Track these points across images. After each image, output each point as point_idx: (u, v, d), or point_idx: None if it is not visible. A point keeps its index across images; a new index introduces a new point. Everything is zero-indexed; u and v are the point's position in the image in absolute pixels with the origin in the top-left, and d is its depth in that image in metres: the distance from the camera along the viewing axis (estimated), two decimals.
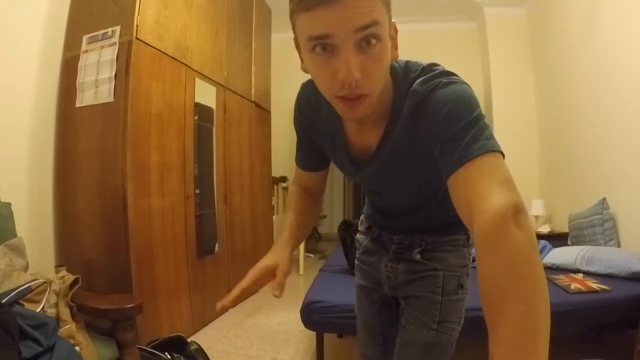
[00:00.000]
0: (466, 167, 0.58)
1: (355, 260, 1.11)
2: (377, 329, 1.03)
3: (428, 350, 0.89)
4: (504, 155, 0.60)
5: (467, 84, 0.68)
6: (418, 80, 0.69)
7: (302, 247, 4.53)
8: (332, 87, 0.62)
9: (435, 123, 0.64)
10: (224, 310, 0.75)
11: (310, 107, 0.84)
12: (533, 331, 0.44)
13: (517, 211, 0.51)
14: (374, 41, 0.58)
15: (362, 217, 1.14)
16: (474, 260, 0.63)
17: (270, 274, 0.79)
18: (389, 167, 0.78)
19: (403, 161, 0.76)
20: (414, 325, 0.91)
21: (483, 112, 0.65)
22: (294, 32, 0.65)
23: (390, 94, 0.73)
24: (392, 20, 0.64)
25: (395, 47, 0.67)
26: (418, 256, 0.93)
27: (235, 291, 0.74)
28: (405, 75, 0.72)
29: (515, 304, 0.45)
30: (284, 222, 0.94)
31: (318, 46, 0.59)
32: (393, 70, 0.73)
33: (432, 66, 0.71)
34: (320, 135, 0.86)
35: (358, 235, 1.12)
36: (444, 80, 0.67)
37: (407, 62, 0.74)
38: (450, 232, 0.94)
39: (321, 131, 0.85)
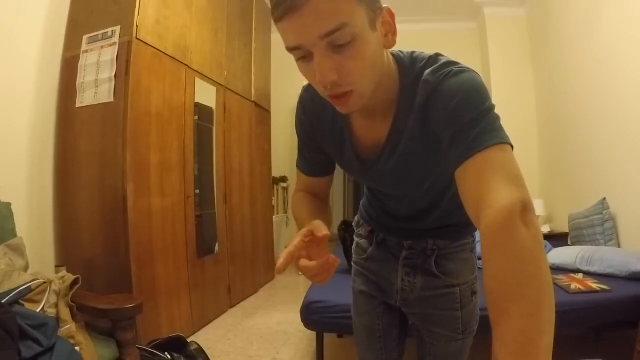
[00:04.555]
0: (475, 159, 0.58)
1: (354, 265, 1.06)
2: (379, 333, 1.00)
3: (459, 354, 0.95)
4: (512, 147, 0.59)
5: (476, 72, 0.67)
6: (428, 70, 0.68)
7: None
8: (318, 89, 0.64)
9: (446, 113, 0.63)
10: (280, 272, 0.61)
11: (314, 107, 0.82)
12: (538, 331, 0.44)
13: (524, 208, 0.50)
14: (346, 40, 0.57)
15: (357, 219, 1.08)
16: (479, 259, 0.62)
17: (309, 234, 0.66)
18: (400, 161, 0.76)
19: (414, 154, 0.74)
20: (442, 342, 0.93)
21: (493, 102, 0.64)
22: None
23: (396, 84, 0.71)
24: (384, 6, 0.63)
25: (392, 33, 0.65)
26: (434, 268, 0.91)
27: (284, 255, 0.62)
28: (411, 65, 0.71)
29: (520, 304, 0.45)
30: (300, 224, 0.81)
31: (295, 55, 0.61)
32: (399, 59, 0.72)
33: (438, 56, 0.71)
34: (325, 135, 0.83)
35: (358, 240, 1.06)
36: (455, 69, 0.66)
37: (412, 52, 0.73)
38: (461, 236, 0.93)
39: (326, 132, 0.82)
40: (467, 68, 0.67)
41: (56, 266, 1.96)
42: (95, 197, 2.13)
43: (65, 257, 2.15)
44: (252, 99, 3.81)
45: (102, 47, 2.15)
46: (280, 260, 0.61)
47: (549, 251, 2.65)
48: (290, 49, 0.60)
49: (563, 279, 2.09)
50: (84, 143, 2.15)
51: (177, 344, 1.89)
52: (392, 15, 0.65)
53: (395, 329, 1.01)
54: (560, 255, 2.51)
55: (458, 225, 0.91)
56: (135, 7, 2.14)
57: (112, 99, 2.10)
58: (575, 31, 3.30)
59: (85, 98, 2.15)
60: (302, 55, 0.60)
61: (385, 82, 0.68)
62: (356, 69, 0.60)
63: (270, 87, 4.32)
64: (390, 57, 0.71)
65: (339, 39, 0.56)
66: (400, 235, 0.95)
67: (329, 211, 0.95)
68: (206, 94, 2.96)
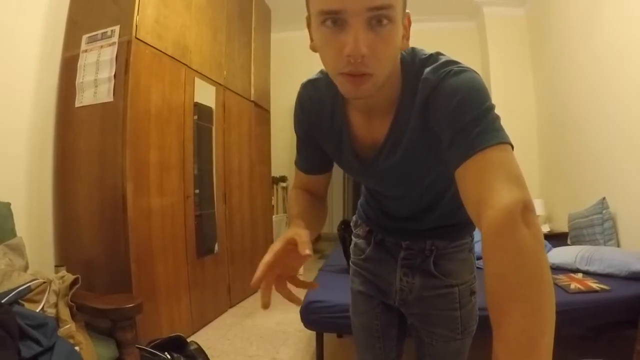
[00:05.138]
0: (475, 158, 0.57)
1: (352, 265, 1.06)
2: (377, 333, 1.00)
3: (458, 354, 0.94)
4: (513, 147, 0.59)
5: (476, 72, 0.67)
6: (428, 69, 0.68)
7: None
8: (337, 62, 0.61)
9: (446, 112, 0.63)
10: (255, 288, 0.60)
11: (312, 104, 0.82)
12: (538, 331, 0.44)
13: (525, 208, 0.51)
14: (385, 21, 0.58)
15: (355, 218, 1.07)
16: (479, 259, 0.62)
17: (291, 242, 0.66)
18: (399, 159, 0.75)
19: (414, 152, 0.73)
20: (440, 342, 0.93)
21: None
22: (307, 8, 0.64)
23: (398, 82, 0.71)
24: (407, 10, 0.64)
25: (406, 37, 0.66)
26: (432, 268, 0.91)
27: (261, 267, 0.62)
28: (412, 62, 0.71)
29: (521, 304, 0.45)
30: (289, 220, 0.82)
31: (328, 20, 0.59)
32: (401, 57, 0.72)
33: (438, 54, 0.71)
34: (323, 134, 0.83)
35: (356, 240, 1.05)
36: (455, 68, 0.66)
37: (413, 49, 0.73)
38: (460, 235, 0.92)
39: (324, 129, 0.82)
40: (468, 67, 0.67)
41: (56, 266, 1.96)
42: (94, 197, 2.13)
43: (64, 256, 2.15)
44: (252, 99, 3.81)
45: (101, 46, 2.15)
46: (257, 274, 0.61)
47: (548, 251, 2.65)
48: (326, 12, 0.59)
49: (563, 279, 2.09)
50: (84, 143, 2.15)
51: (177, 344, 1.89)
52: (410, 22, 0.66)
53: (394, 329, 1.00)
54: (559, 254, 2.51)
55: (457, 225, 0.91)
56: (134, 6, 2.13)
57: (111, 99, 2.10)
58: (575, 31, 3.30)
59: (85, 98, 2.15)
60: (334, 21, 0.59)
61: (392, 78, 0.68)
62: (384, 53, 0.60)
63: (269, 86, 4.32)
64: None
65: (383, 16, 0.57)
66: (399, 236, 0.94)
67: (326, 210, 0.95)
68: (205, 94, 2.96)
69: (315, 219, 0.83)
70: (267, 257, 0.63)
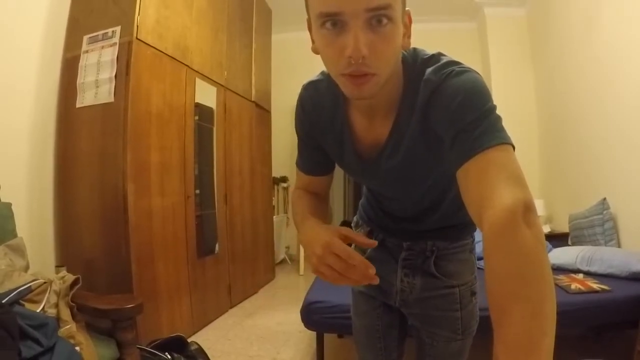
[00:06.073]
0: (477, 159, 0.58)
1: None
2: (378, 334, 1.00)
3: (459, 355, 0.95)
4: (514, 148, 0.59)
5: (478, 73, 0.67)
6: (430, 69, 0.68)
7: (302, 247, 4.52)
8: (338, 64, 0.61)
9: (448, 113, 0.63)
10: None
11: (314, 105, 0.82)
12: (539, 332, 0.44)
13: (527, 209, 0.51)
14: (385, 21, 0.58)
15: (356, 219, 1.08)
16: (480, 260, 0.62)
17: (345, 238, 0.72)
18: (401, 160, 0.75)
19: (416, 152, 0.73)
20: (441, 343, 0.93)
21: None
22: (307, 11, 0.64)
23: (400, 82, 0.71)
24: (407, 8, 0.64)
25: (408, 35, 0.66)
26: (433, 268, 0.91)
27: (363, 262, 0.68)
28: (413, 62, 0.71)
29: (522, 305, 0.45)
30: (297, 222, 0.84)
31: (328, 22, 0.59)
32: (403, 58, 0.72)
33: (440, 55, 0.71)
34: (324, 134, 0.83)
35: None
36: (457, 69, 0.66)
37: (415, 49, 0.73)
38: (461, 236, 0.92)
39: (326, 131, 0.82)
40: (469, 68, 0.67)
41: (56, 266, 1.96)
42: (95, 197, 2.13)
43: (65, 257, 2.15)
44: (253, 99, 3.81)
45: (102, 47, 2.15)
46: (367, 266, 0.68)
47: (549, 251, 2.65)
48: (325, 15, 0.59)
49: (563, 279, 2.09)
50: (84, 143, 2.15)
51: (178, 344, 1.89)
52: (410, 20, 0.66)
53: (395, 330, 1.00)
54: (560, 255, 2.51)
55: (458, 226, 0.91)
56: (135, 7, 2.14)
57: (112, 99, 2.10)
58: (575, 31, 3.30)
59: (86, 98, 2.16)
60: (334, 23, 0.59)
61: (393, 78, 0.68)
62: (385, 52, 0.60)
63: (270, 87, 4.33)
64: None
65: (383, 15, 0.57)
66: (400, 236, 0.94)
67: (329, 211, 0.95)
68: (206, 94, 2.96)
69: (322, 218, 0.84)
70: (357, 255, 0.68)
